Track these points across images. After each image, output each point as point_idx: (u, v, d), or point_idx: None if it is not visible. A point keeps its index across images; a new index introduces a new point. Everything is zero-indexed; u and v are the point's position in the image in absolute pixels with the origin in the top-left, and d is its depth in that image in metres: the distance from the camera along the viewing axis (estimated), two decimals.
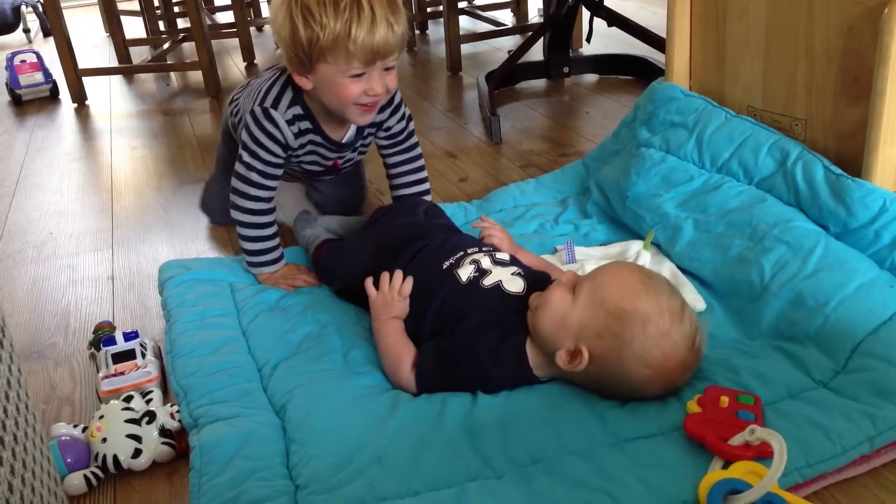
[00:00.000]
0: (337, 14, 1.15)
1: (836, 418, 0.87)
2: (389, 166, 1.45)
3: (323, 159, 1.39)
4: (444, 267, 1.10)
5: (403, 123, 1.41)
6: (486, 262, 1.10)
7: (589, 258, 1.31)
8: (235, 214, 1.32)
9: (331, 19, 1.15)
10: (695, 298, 1.17)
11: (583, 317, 0.94)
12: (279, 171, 1.32)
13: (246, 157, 1.29)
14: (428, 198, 1.46)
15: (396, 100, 1.38)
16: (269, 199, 1.32)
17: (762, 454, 0.82)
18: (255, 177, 1.29)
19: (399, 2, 1.20)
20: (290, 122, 1.28)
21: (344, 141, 1.37)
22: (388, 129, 1.40)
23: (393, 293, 1.09)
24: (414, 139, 1.44)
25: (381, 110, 1.35)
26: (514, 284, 1.06)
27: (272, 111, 1.27)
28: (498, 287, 1.06)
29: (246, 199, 1.30)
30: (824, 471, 0.83)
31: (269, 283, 1.33)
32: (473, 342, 1.01)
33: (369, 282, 1.13)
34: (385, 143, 1.42)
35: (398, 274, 1.11)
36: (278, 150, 1.29)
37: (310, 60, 1.19)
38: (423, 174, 1.46)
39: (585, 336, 0.93)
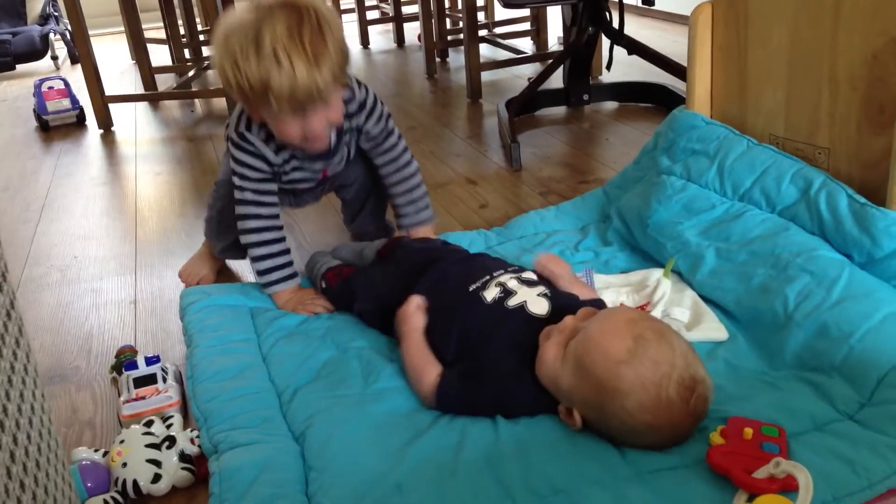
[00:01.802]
0: (258, 66, 1.14)
1: (862, 451, 0.86)
2: (377, 167, 1.46)
3: (312, 172, 1.39)
4: (471, 290, 1.11)
5: (382, 124, 1.40)
6: (512, 283, 1.10)
7: (609, 286, 1.30)
8: (243, 238, 1.35)
9: (252, 73, 1.15)
10: (717, 328, 1.16)
11: (570, 384, 0.92)
12: (272, 186, 1.35)
13: (237, 181, 1.33)
14: (424, 196, 1.47)
15: (368, 104, 1.36)
16: (270, 216, 1.34)
17: (787, 487, 0.80)
18: (249, 195, 1.33)
19: (327, 43, 1.16)
20: (265, 141, 1.31)
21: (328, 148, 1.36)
22: (368, 132, 1.39)
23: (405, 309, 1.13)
24: (393, 139, 1.43)
25: (353, 116, 1.35)
26: (539, 306, 1.06)
27: (246, 134, 1.30)
28: (522, 308, 1.06)
29: (248, 220, 1.34)
30: None
31: (288, 307, 1.33)
32: (497, 366, 1.00)
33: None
34: (367, 145, 1.42)
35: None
36: (264, 166, 1.32)
37: (248, 103, 1.23)
38: (410, 170, 1.46)
39: (575, 401, 0.93)
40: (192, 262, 1.58)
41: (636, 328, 0.90)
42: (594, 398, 0.90)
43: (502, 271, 1.14)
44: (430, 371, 1.05)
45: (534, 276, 1.13)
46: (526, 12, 3.74)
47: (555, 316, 1.03)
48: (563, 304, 1.06)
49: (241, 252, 1.41)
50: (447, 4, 3.79)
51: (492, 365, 1.01)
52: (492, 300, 1.08)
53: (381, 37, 4.38)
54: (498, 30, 3.86)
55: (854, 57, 1.21)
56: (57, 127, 2.98)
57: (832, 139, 1.29)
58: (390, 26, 4.29)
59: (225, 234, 1.48)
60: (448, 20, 3.67)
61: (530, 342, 1.01)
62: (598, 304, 1.12)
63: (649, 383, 0.87)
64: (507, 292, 1.08)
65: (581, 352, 0.91)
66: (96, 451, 1.04)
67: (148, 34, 3.56)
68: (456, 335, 1.07)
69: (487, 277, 1.12)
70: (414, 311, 1.13)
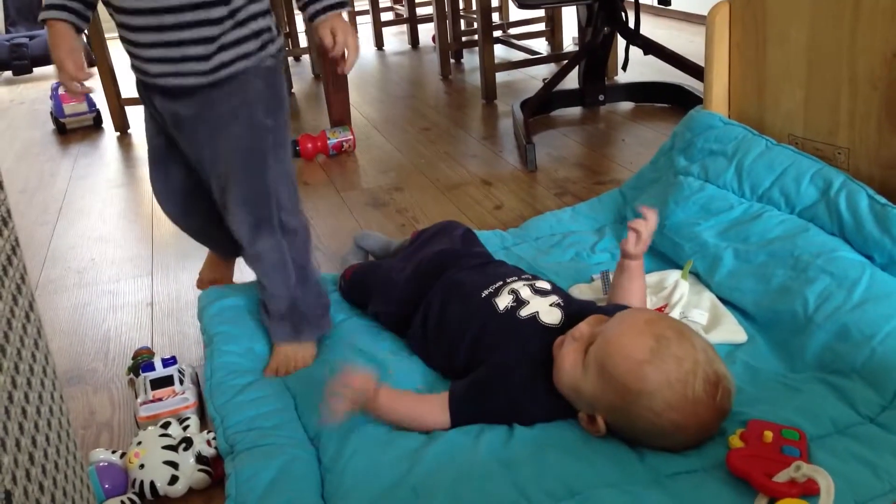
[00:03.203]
0: None
1: (884, 455, 0.85)
2: None
3: None
4: (483, 296, 1.10)
5: None
6: (525, 291, 1.09)
7: None
8: None
9: None
10: (735, 330, 1.15)
11: (594, 390, 0.91)
12: None
13: None
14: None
15: None
16: None
17: (808, 492, 0.79)
18: None
19: None
20: None
21: None
22: None
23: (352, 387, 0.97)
24: None
25: None
26: (552, 316, 1.05)
27: None
28: (534, 319, 1.05)
29: None
30: None
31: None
32: (507, 377, 0.99)
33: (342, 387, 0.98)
34: None
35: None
36: None
37: None
38: None
39: (599, 407, 0.92)
40: (206, 269, 1.57)
41: (656, 327, 0.90)
42: (619, 402, 0.89)
43: (515, 278, 1.13)
44: (430, 401, 1.00)
45: (547, 286, 1.12)
46: (541, 13, 3.73)
47: (568, 325, 1.02)
48: (576, 312, 1.05)
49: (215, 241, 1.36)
50: (461, 5, 3.79)
51: (503, 376, 1.00)
52: (504, 309, 1.07)
53: (395, 38, 4.38)
54: (512, 30, 3.86)
55: (874, 56, 1.20)
56: (74, 129, 3.00)
57: (852, 139, 1.27)
58: (405, 28, 4.29)
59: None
60: (462, 21, 3.66)
61: (542, 353, 1.00)
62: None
63: (675, 381, 0.86)
64: (520, 301, 1.07)
65: (602, 356, 0.90)
66: (114, 452, 1.04)
67: None
68: (468, 342, 1.06)
69: (500, 283, 1.11)
70: (371, 389, 0.97)
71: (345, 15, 1.15)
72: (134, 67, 1.15)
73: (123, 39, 1.12)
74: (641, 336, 0.89)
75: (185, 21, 1.05)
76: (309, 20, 1.14)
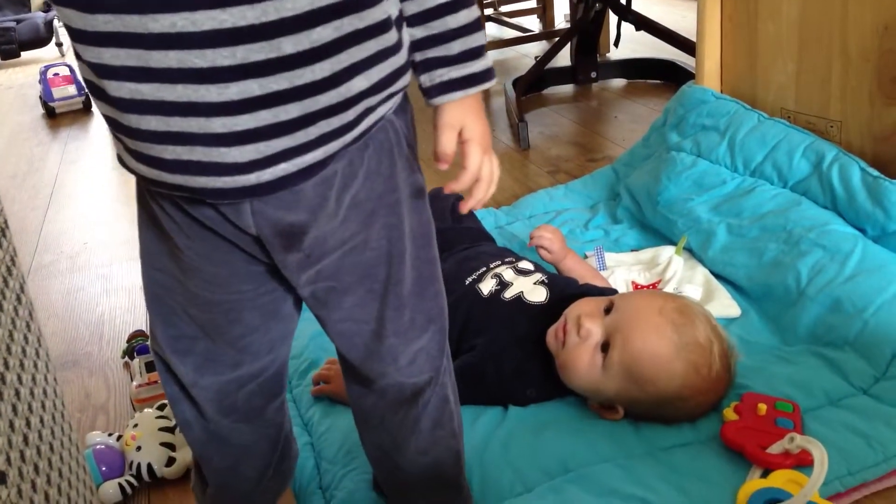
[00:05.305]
0: None
1: (877, 425, 0.86)
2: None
3: None
4: (467, 283, 1.09)
5: None
6: (508, 274, 1.09)
7: (620, 264, 1.30)
8: None
9: None
10: (729, 304, 1.15)
11: (618, 389, 0.91)
12: None
13: None
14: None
15: None
16: None
17: (802, 462, 0.80)
18: None
19: None
20: None
21: None
22: None
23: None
24: None
25: None
26: (536, 294, 1.05)
27: None
28: (519, 299, 1.04)
29: None
30: (866, 479, 0.81)
31: None
32: (499, 361, 0.99)
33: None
34: None
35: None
36: None
37: None
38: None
39: (621, 401, 0.92)
40: None
41: (667, 314, 0.90)
42: (648, 396, 0.89)
43: (499, 262, 1.12)
44: None
45: (530, 266, 1.12)
46: None
47: (554, 302, 1.02)
48: (561, 290, 1.05)
49: None
50: None
51: (493, 359, 0.99)
52: (488, 293, 1.06)
53: None
54: (504, 8, 3.83)
55: (866, 28, 1.20)
56: (63, 113, 2.98)
57: (844, 112, 1.27)
58: None
59: None
60: None
61: (531, 331, 0.99)
62: (601, 291, 1.10)
63: (701, 366, 0.88)
64: (504, 284, 1.07)
65: (629, 361, 0.89)
66: (110, 435, 1.04)
67: None
68: (456, 330, 1.04)
69: (484, 269, 1.11)
70: None
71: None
72: None
73: None
74: (660, 330, 0.89)
75: None
76: (427, 94, 0.71)
